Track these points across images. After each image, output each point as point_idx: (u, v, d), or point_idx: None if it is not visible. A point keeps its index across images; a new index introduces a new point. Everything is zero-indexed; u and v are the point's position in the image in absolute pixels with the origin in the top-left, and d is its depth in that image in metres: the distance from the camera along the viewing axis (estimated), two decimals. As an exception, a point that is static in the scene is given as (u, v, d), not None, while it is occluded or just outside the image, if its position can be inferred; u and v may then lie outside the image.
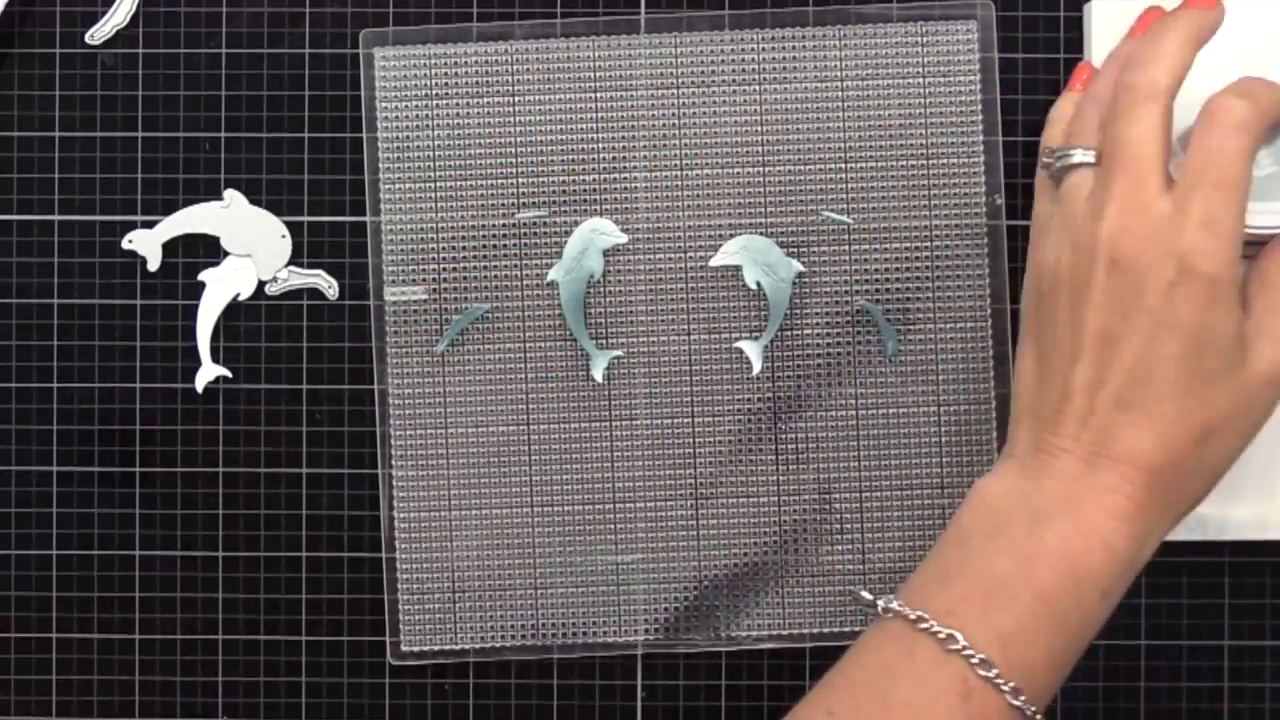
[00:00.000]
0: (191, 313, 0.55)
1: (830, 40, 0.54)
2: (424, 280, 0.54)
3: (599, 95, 0.54)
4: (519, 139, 0.54)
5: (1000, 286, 0.54)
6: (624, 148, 0.54)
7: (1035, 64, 0.55)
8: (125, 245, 0.55)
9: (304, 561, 0.55)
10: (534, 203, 0.54)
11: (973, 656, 0.41)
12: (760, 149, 0.54)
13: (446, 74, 0.54)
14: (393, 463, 0.54)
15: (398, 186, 0.54)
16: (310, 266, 0.55)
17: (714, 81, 0.54)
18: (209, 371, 0.55)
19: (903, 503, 0.54)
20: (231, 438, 0.55)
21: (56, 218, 0.55)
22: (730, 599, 0.54)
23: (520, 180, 0.54)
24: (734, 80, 0.54)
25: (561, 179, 0.54)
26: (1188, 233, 0.42)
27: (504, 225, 0.54)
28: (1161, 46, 0.45)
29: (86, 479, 0.55)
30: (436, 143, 0.54)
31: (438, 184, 0.54)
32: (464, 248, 0.54)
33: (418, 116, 0.54)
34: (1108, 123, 0.45)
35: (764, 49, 0.54)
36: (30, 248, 0.55)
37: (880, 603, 0.44)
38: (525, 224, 0.54)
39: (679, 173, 0.54)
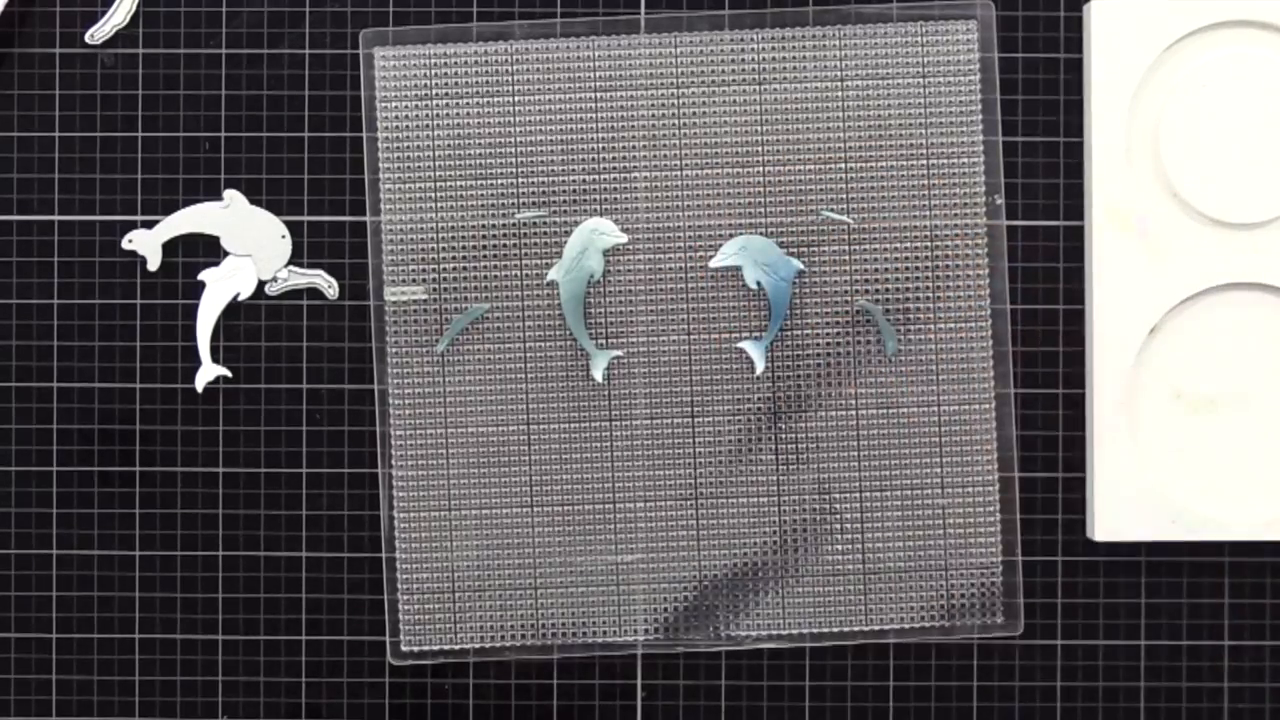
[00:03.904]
0: (191, 313, 0.55)
1: (830, 40, 0.54)
2: (424, 280, 0.54)
3: (599, 95, 0.54)
4: (519, 139, 0.54)
5: (1000, 286, 0.54)
6: (624, 148, 0.54)
7: (1035, 64, 0.55)
8: (125, 245, 0.55)
9: (304, 561, 0.55)
10: (534, 203, 0.54)
11: None
12: (760, 149, 0.54)
13: (446, 74, 0.54)
14: (393, 463, 0.54)
15: (398, 186, 0.54)
16: (310, 266, 0.55)
17: (714, 81, 0.54)
18: (209, 371, 0.55)
19: (903, 503, 0.54)
20: (231, 438, 0.55)
21: (56, 218, 0.55)
22: (730, 599, 0.54)
23: (520, 180, 0.54)
24: (734, 80, 0.54)
25: (561, 179, 0.54)
26: None
27: (504, 225, 0.54)
28: None
29: (86, 479, 0.55)
30: (436, 143, 0.54)
31: (438, 184, 0.54)
32: (464, 248, 0.54)
33: (418, 116, 0.54)
34: None
35: (764, 49, 0.54)
36: (30, 248, 0.55)
37: None
38: (525, 224, 0.54)
39: (679, 173, 0.54)
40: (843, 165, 0.54)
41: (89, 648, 0.55)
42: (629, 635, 0.54)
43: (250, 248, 0.55)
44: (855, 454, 0.54)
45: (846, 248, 0.54)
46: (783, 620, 0.54)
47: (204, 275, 0.55)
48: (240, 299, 0.55)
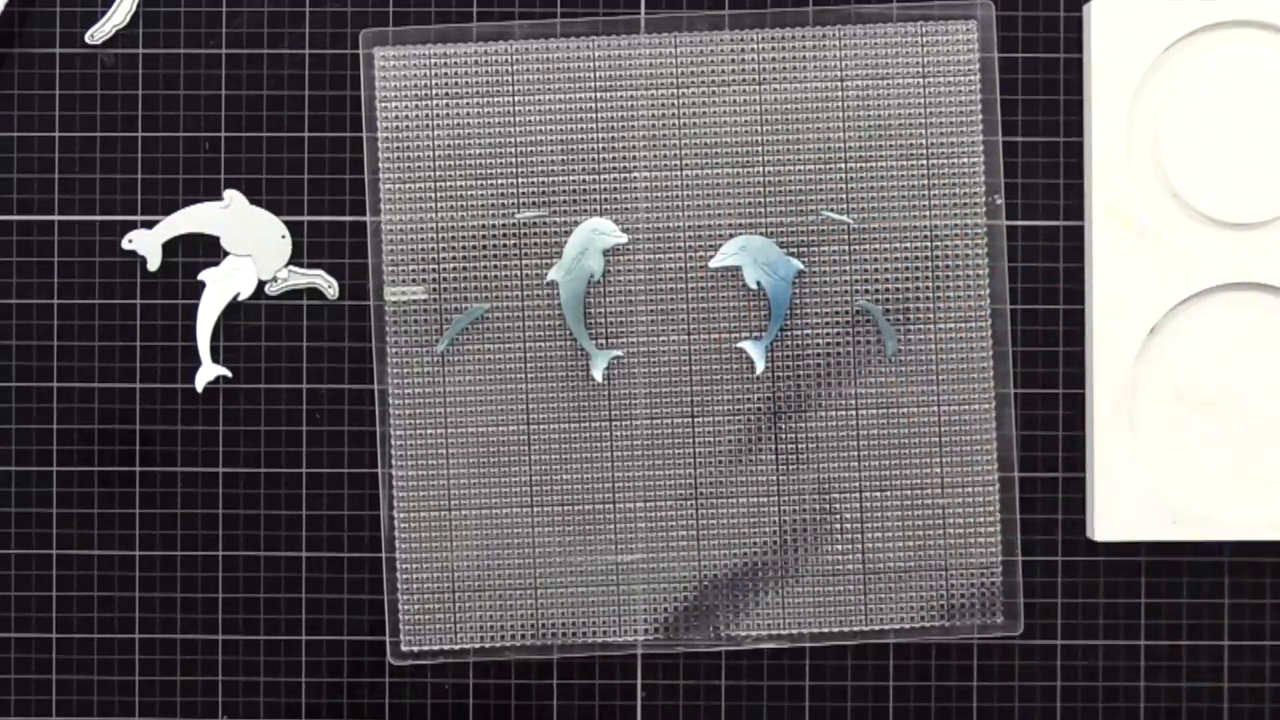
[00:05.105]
0: (191, 313, 0.55)
1: (830, 40, 0.54)
2: (424, 280, 0.54)
3: (599, 95, 0.54)
4: (519, 139, 0.54)
5: (1000, 286, 0.54)
6: (624, 148, 0.54)
7: (1035, 64, 0.55)
8: (125, 245, 0.55)
9: (304, 561, 0.55)
10: (534, 203, 0.54)
11: None
12: (760, 149, 0.54)
13: (446, 74, 0.54)
14: (393, 463, 0.54)
15: (398, 186, 0.54)
16: (310, 266, 0.55)
17: (714, 81, 0.54)
18: (209, 371, 0.55)
19: (903, 503, 0.54)
20: (231, 438, 0.55)
21: (56, 218, 0.55)
22: (730, 599, 0.54)
23: (520, 180, 0.54)
24: (734, 80, 0.54)
25: (561, 179, 0.54)
26: None
27: (504, 225, 0.54)
28: None
29: (86, 479, 0.55)
30: (436, 143, 0.54)
31: (438, 184, 0.54)
32: (464, 248, 0.54)
33: (418, 116, 0.54)
34: None
35: (764, 49, 0.54)
36: (30, 248, 0.55)
37: None
38: (525, 224, 0.54)
39: (679, 173, 0.54)
40: (843, 165, 0.54)
41: (89, 648, 0.55)
42: (629, 635, 0.54)
43: (250, 248, 0.55)
44: (855, 454, 0.54)
45: (846, 248, 0.54)
46: (783, 620, 0.54)
47: (204, 275, 0.55)
48: (240, 299, 0.55)
